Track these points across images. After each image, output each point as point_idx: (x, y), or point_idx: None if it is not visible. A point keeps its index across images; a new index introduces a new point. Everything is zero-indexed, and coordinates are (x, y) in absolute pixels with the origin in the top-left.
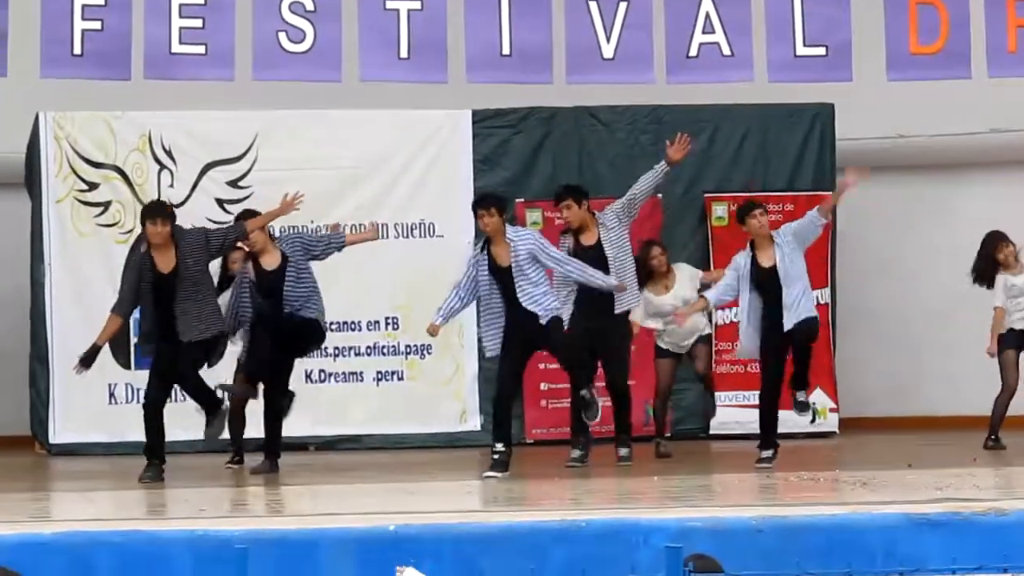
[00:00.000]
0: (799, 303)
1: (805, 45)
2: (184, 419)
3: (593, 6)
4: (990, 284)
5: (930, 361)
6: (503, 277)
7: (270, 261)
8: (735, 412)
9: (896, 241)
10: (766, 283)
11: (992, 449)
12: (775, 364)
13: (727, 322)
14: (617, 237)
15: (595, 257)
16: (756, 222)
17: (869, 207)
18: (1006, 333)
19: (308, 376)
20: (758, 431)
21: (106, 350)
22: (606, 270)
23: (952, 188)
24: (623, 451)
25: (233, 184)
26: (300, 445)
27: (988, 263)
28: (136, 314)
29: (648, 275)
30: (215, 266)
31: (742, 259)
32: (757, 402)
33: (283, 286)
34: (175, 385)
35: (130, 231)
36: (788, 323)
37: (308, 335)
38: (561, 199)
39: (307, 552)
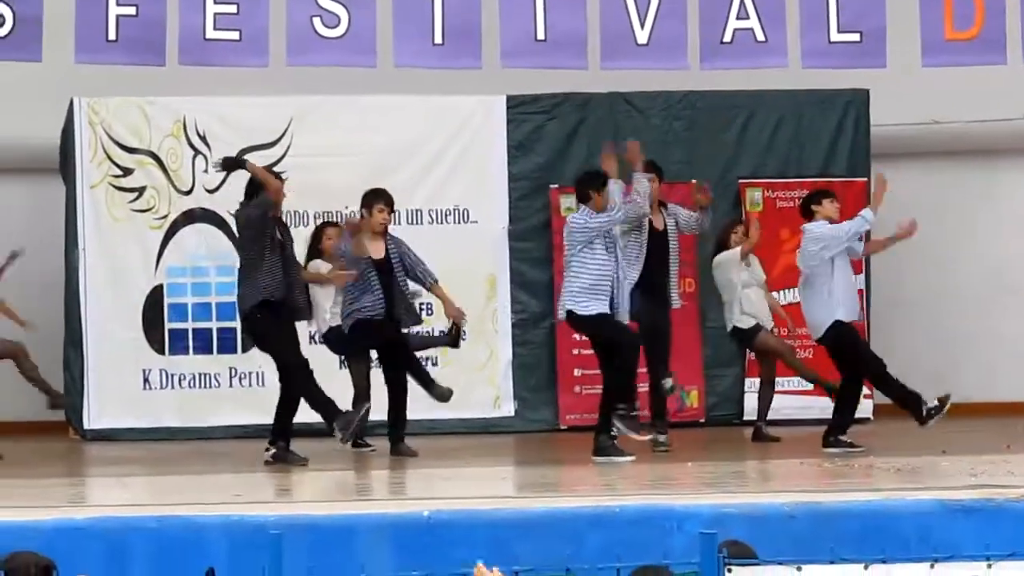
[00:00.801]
0: None
1: (839, 31)
2: (218, 404)
3: None
4: None
5: (965, 348)
6: None
7: (376, 249)
8: (778, 398)
9: (931, 227)
10: None
11: None
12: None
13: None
14: (676, 234)
15: (663, 243)
16: (834, 207)
17: (904, 194)
18: None
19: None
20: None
21: (141, 336)
22: (667, 258)
23: (987, 174)
24: (660, 437)
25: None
26: (333, 431)
27: None
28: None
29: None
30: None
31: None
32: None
33: (393, 276)
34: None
35: (164, 216)
36: None
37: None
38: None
39: (341, 538)
